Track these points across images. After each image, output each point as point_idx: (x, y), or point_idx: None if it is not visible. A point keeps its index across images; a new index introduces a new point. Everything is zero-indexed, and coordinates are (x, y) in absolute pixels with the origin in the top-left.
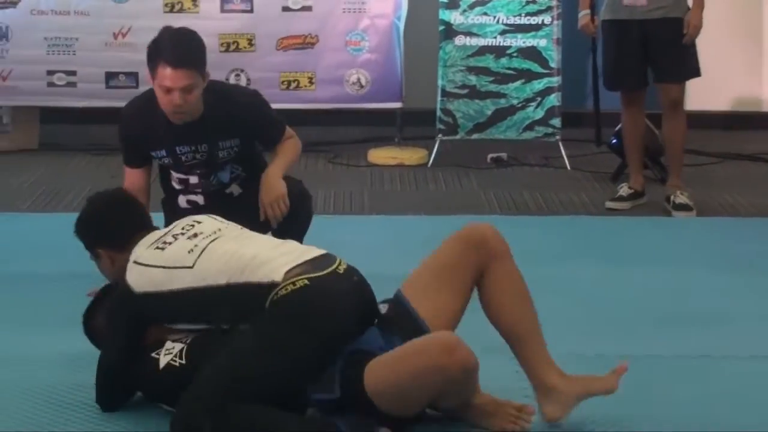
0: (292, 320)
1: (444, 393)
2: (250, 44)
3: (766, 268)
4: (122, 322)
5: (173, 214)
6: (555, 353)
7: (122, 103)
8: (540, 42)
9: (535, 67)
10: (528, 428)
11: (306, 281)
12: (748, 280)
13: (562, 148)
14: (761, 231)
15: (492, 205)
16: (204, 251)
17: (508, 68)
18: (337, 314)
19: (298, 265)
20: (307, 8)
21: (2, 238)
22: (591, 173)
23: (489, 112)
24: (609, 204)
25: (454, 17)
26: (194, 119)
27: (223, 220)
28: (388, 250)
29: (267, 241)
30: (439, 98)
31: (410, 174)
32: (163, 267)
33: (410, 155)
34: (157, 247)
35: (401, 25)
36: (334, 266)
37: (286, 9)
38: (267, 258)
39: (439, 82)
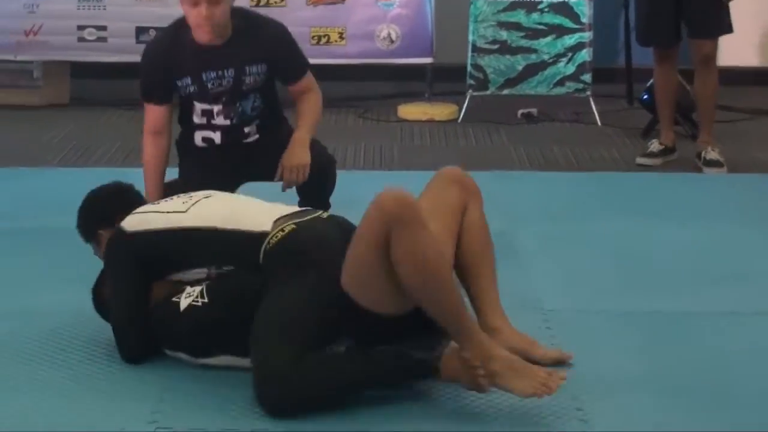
0: (294, 260)
1: (399, 253)
2: None
3: None
4: (119, 265)
5: (187, 153)
6: (585, 310)
7: None
8: None
9: (567, 23)
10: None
11: (293, 225)
12: None
13: (592, 103)
14: None
15: (522, 161)
16: (197, 203)
17: (540, 23)
18: (330, 244)
19: (283, 216)
20: None
21: (32, 193)
22: (622, 129)
23: (520, 68)
24: (640, 160)
25: None
26: (222, 41)
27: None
28: None
29: (255, 201)
30: (469, 53)
31: (440, 129)
32: (157, 212)
33: (440, 110)
34: (152, 204)
35: None
36: (317, 214)
37: None
38: (255, 212)
39: (470, 38)
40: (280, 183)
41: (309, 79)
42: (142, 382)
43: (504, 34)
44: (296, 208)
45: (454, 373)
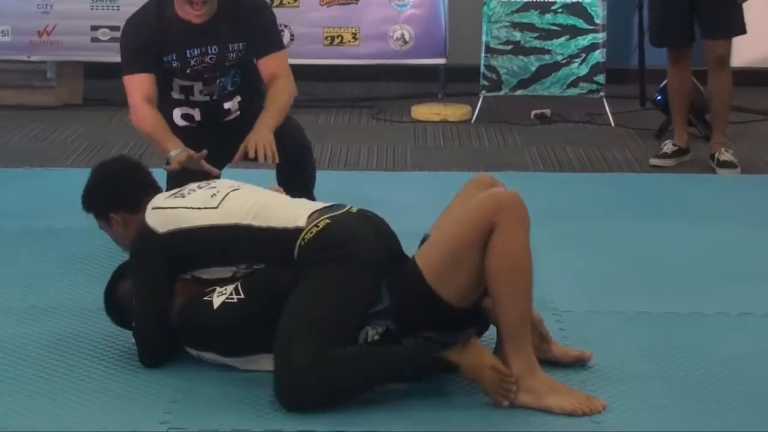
0: (329, 255)
1: (499, 243)
2: (294, 0)
3: None
4: (148, 268)
5: None
6: (598, 311)
7: None
8: None
9: (580, 23)
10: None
11: (327, 220)
12: None
13: (606, 104)
14: None
15: (535, 162)
16: (226, 197)
17: (553, 24)
18: (365, 238)
19: (316, 211)
20: None
21: (45, 192)
22: (635, 130)
23: (533, 68)
24: (653, 161)
25: None
26: (209, 17)
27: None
28: (431, 206)
29: (283, 196)
30: (483, 54)
31: (453, 130)
32: (186, 208)
33: (453, 111)
34: (176, 196)
35: None
36: (347, 208)
37: None
38: (287, 207)
39: (483, 38)
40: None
41: (280, 60)
42: (154, 383)
43: (517, 35)
44: (326, 203)
45: (480, 376)
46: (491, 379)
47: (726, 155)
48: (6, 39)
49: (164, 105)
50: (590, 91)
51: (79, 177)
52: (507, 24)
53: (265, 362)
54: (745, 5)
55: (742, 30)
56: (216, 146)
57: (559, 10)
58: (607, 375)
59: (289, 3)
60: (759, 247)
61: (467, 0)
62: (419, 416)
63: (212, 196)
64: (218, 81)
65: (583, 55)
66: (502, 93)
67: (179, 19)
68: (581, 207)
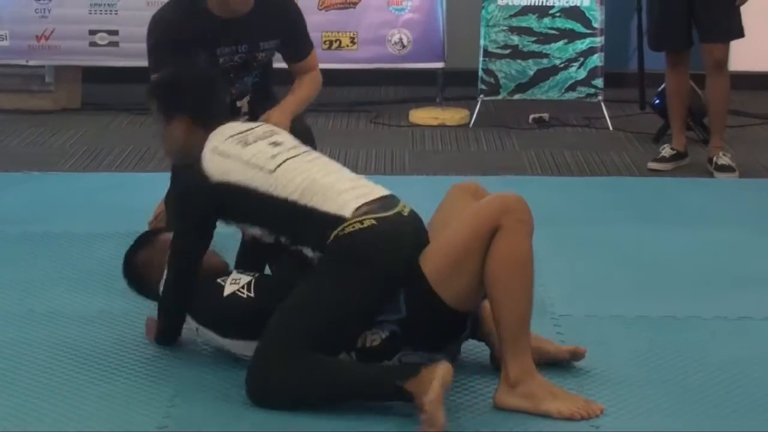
0: (358, 259)
1: (502, 245)
2: None
3: None
4: (193, 218)
5: None
6: (596, 315)
7: None
8: (583, 1)
9: (578, 27)
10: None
11: (373, 221)
12: None
13: (604, 108)
14: None
15: (533, 166)
16: (285, 162)
17: (551, 28)
18: (402, 253)
19: (366, 203)
20: None
21: (43, 197)
22: (633, 134)
23: (531, 73)
24: (651, 165)
25: None
26: (243, 14)
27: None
28: (429, 210)
29: (341, 171)
30: (481, 58)
31: (451, 134)
32: (244, 162)
33: (452, 115)
34: (238, 141)
35: None
36: (399, 208)
37: None
38: (340, 190)
39: (481, 42)
40: None
41: (313, 58)
42: (153, 386)
43: (515, 39)
44: (380, 193)
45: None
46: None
47: (724, 159)
48: (4, 43)
49: None
50: (588, 95)
51: (78, 181)
52: (505, 28)
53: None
54: (743, 9)
55: (740, 34)
56: None
57: (557, 14)
58: (605, 379)
59: None
60: (757, 251)
61: (465, 4)
62: (419, 417)
63: (272, 156)
64: (242, 81)
65: (581, 59)
66: (500, 97)
67: (212, 15)
68: (579, 211)
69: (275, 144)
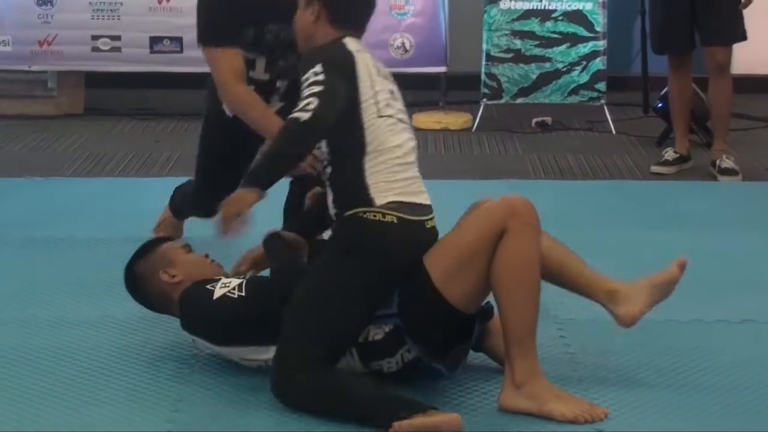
0: (363, 246)
1: (508, 247)
2: None
3: None
4: (333, 72)
5: (214, 105)
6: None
7: (167, 68)
8: (586, 5)
9: (581, 31)
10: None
11: (394, 219)
12: None
13: (607, 112)
14: None
15: (536, 170)
16: (390, 117)
17: (554, 32)
18: (404, 258)
19: (400, 202)
20: None
21: (46, 202)
22: (636, 137)
23: (534, 76)
24: (654, 168)
25: None
26: None
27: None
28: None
29: (411, 165)
30: (483, 62)
31: (454, 138)
32: (370, 84)
33: (454, 119)
34: (375, 66)
35: None
36: (425, 217)
37: None
38: (393, 179)
39: (484, 46)
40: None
41: None
42: (157, 391)
43: (518, 43)
44: (420, 200)
45: None
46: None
47: (727, 162)
48: (7, 49)
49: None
50: (591, 99)
51: (81, 186)
52: (507, 32)
53: (255, 354)
54: (745, 12)
55: (742, 37)
56: (256, 138)
57: (560, 18)
58: (609, 383)
59: None
60: (761, 254)
61: (468, 8)
62: None
63: (387, 104)
64: (285, 60)
65: (584, 62)
66: (502, 101)
67: None
68: (582, 214)
69: (392, 94)
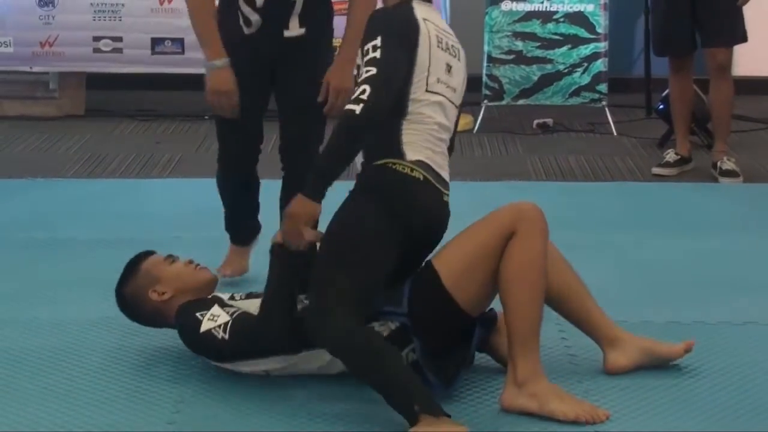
0: (388, 194)
1: (516, 249)
2: None
3: None
4: (392, 44)
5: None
6: None
7: (168, 70)
8: (587, 7)
9: (582, 33)
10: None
11: (421, 176)
12: None
13: (608, 113)
14: None
15: (538, 171)
16: (437, 95)
17: (555, 33)
18: (420, 221)
19: (429, 166)
20: None
21: (47, 203)
22: (637, 139)
23: (535, 78)
24: (655, 170)
25: None
26: None
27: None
28: None
29: (445, 132)
30: (485, 64)
31: (456, 140)
32: (427, 56)
33: None
34: (437, 37)
35: None
36: (445, 191)
37: None
38: (425, 146)
39: (485, 48)
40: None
41: None
42: (158, 392)
43: (519, 45)
44: (442, 164)
45: None
46: None
47: (728, 164)
48: (8, 50)
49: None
50: (592, 101)
51: (82, 188)
52: (509, 33)
53: (252, 366)
54: (746, 14)
55: (743, 38)
56: (265, 65)
57: (561, 20)
58: (610, 384)
59: None
60: (761, 256)
61: (469, 10)
62: None
63: (437, 79)
64: None
65: (585, 64)
66: (504, 102)
67: None
68: (584, 216)
69: (448, 68)
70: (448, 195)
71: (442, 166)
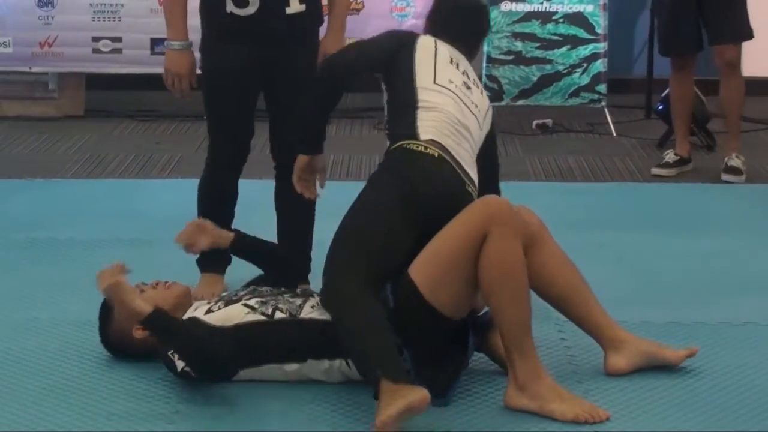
0: (403, 167)
1: (491, 252)
2: None
3: None
4: (388, 35)
5: (212, 23)
6: None
7: None
8: (587, 7)
9: (582, 33)
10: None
11: (435, 153)
12: None
13: (607, 114)
14: None
15: (537, 172)
16: (450, 92)
17: (554, 34)
18: (438, 193)
19: (445, 148)
20: None
21: (47, 203)
22: (637, 140)
23: (534, 78)
24: (655, 170)
25: None
26: None
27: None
28: None
29: (457, 125)
30: (484, 64)
31: None
32: (431, 57)
33: None
34: (450, 58)
35: None
36: (460, 178)
37: None
38: (442, 126)
39: (485, 48)
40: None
41: None
42: (157, 393)
43: (519, 45)
44: (466, 158)
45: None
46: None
47: (735, 161)
48: (8, 50)
49: None
50: (592, 101)
51: (81, 188)
52: (508, 34)
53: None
54: (751, 15)
55: (749, 34)
56: (269, 43)
57: (561, 20)
58: (610, 385)
59: None
60: (761, 256)
61: None
62: (422, 419)
63: (450, 80)
64: None
65: (585, 64)
66: (503, 103)
67: None
68: (583, 217)
69: (464, 84)
70: (472, 188)
71: (466, 161)
